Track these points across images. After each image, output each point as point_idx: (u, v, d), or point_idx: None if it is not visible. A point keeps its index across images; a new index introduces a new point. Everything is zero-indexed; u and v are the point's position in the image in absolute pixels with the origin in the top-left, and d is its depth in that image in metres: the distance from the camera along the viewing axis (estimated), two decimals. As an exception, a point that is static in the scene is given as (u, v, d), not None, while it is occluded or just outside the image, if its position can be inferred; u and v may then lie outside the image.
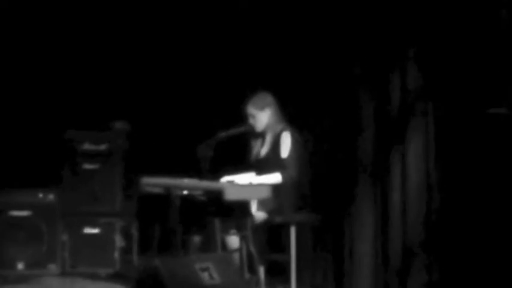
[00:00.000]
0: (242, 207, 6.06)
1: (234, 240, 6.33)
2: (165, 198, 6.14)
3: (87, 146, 7.62)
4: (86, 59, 8.02)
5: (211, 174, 6.25)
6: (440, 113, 6.60)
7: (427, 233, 6.56)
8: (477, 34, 6.41)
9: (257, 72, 7.53)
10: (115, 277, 7.48)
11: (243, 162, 6.70)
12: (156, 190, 6.26)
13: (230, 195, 5.85)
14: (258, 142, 6.66)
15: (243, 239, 6.18)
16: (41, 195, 7.56)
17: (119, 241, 7.57)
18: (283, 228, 6.45)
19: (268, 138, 6.58)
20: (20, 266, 7.46)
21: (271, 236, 6.55)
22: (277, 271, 6.60)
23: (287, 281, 6.42)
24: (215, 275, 5.50)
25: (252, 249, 6.09)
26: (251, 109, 6.58)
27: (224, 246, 6.30)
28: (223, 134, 6.43)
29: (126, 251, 7.61)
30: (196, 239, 6.59)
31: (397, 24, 6.79)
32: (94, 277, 7.48)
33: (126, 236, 7.61)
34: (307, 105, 7.30)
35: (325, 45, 7.17)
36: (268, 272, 6.46)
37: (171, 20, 7.99)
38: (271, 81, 7.14)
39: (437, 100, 6.64)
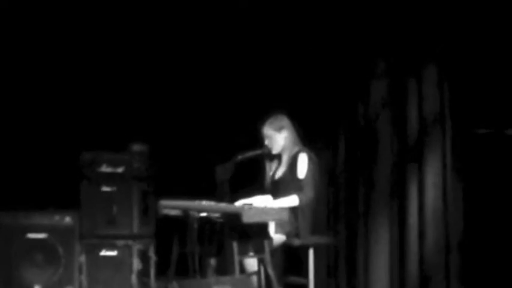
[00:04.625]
0: (260, 229, 6.04)
1: (252, 263, 6.31)
2: (183, 220, 6.13)
3: (104, 168, 7.62)
4: (105, 82, 8.05)
5: (229, 197, 6.25)
6: (458, 133, 6.59)
7: (446, 256, 6.53)
8: (497, 53, 6.41)
9: (274, 95, 7.55)
10: (132, 300, 7.49)
11: (258, 184, 6.69)
12: (174, 212, 6.26)
13: (248, 218, 5.83)
14: (274, 164, 6.65)
15: (261, 261, 6.17)
16: (58, 218, 7.56)
17: (136, 264, 7.55)
18: (301, 251, 6.44)
19: (285, 160, 6.57)
20: (37, 288, 7.47)
21: (289, 259, 6.53)
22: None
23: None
24: (233, 298, 5.49)
25: (270, 271, 6.07)
26: (268, 130, 6.59)
27: (242, 268, 6.28)
28: (241, 157, 6.43)
29: (143, 274, 7.58)
30: (214, 261, 6.57)
31: (414, 42, 6.80)
32: (111, 300, 7.49)
33: (144, 258, 7.58)
34: (323, 124, 7.32)
35: (343, 65, 7.20)
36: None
37: (190, 43, 8.01)
38: (289, 102, 7.16)
39: (455, 120, 6.64)
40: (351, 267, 7.15)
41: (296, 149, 6.55)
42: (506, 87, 6.50)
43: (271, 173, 6.66)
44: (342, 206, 7.29)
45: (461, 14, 6.63)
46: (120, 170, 7.62)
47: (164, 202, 6.34)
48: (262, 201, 6.38)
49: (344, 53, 7.25)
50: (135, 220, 7.57)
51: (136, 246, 7.56)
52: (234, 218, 5.89)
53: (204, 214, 6.08)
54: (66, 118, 8.01)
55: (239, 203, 6.36)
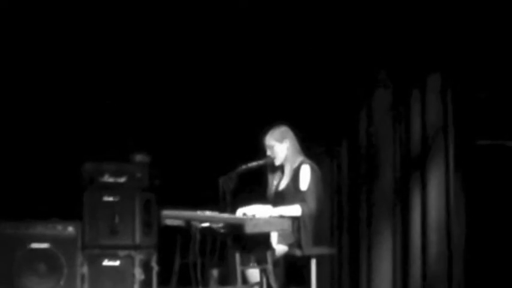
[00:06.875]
0: (263, 240, 6.03)
1: (254, 274, 6.30)
2: (185, 231, 6.13)
3: (107, 179, 7.64)
4: (108, 93, 8.07)
5: (232, 207, 6.24)
6: (461, 144, 6.60)
7: (449, 267, 6.52)
8: (500, 64, 6.42)
9: (277, 105, 7.57)
10: (134, 310, 7.49)
11: (257, 192, 6.69)
12: (177, 223, 6.25)
13: (250, 229, 5.83)
14: (276, 175, 6.64)
15: (263, 272, 6.15)
16: (60, 228, 7.57)
17: (138, 274, 7.55)
18: (303, 262, 6.43)
19: (287, 171, 6.56)
20: (40, 298, 7.47)
21: (291, 269, 6.52)
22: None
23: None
24: (235, 308, 5.48)
25: (273, 282, 6.06)
26: (270, 140, 6.57)
27: (244, 279, 6.27)
28: (244, 167, 6.42)
29: (145, 284, 7.60)
30: (216, 272, 6.56)
31: (418, 51, 6.81)
32: (113, 310, 7.49)
33: (146, 268, 7.59)
34: (326, 134, 7.33)
35: (346, 74, 7.22)
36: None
37: (192, 54, 8.03)
38: (292, 112, 7.18)
39: (458, 131, 6.64)
40: (354, 278, 7.14)
41: (299, 160, 6.54)
42: (509, 99, 6.50)
43: (274, 184, 6.65)
44: (345, 216, 7.29)
45: (466, 23, 6.63)
46: (122, 180, 7.64)
47: (166, 212, 6.34)
48: (262, 210, 6.38)
49: (347, 62, 7.26)
50: (137, 230, 7.58)
51: (139, 257, 7.57)
52: (236, 228, 5.88)
53: (206, 224, 6.08)
54: (68, 128, 8.02)
55: (239, 212, 6.36)
